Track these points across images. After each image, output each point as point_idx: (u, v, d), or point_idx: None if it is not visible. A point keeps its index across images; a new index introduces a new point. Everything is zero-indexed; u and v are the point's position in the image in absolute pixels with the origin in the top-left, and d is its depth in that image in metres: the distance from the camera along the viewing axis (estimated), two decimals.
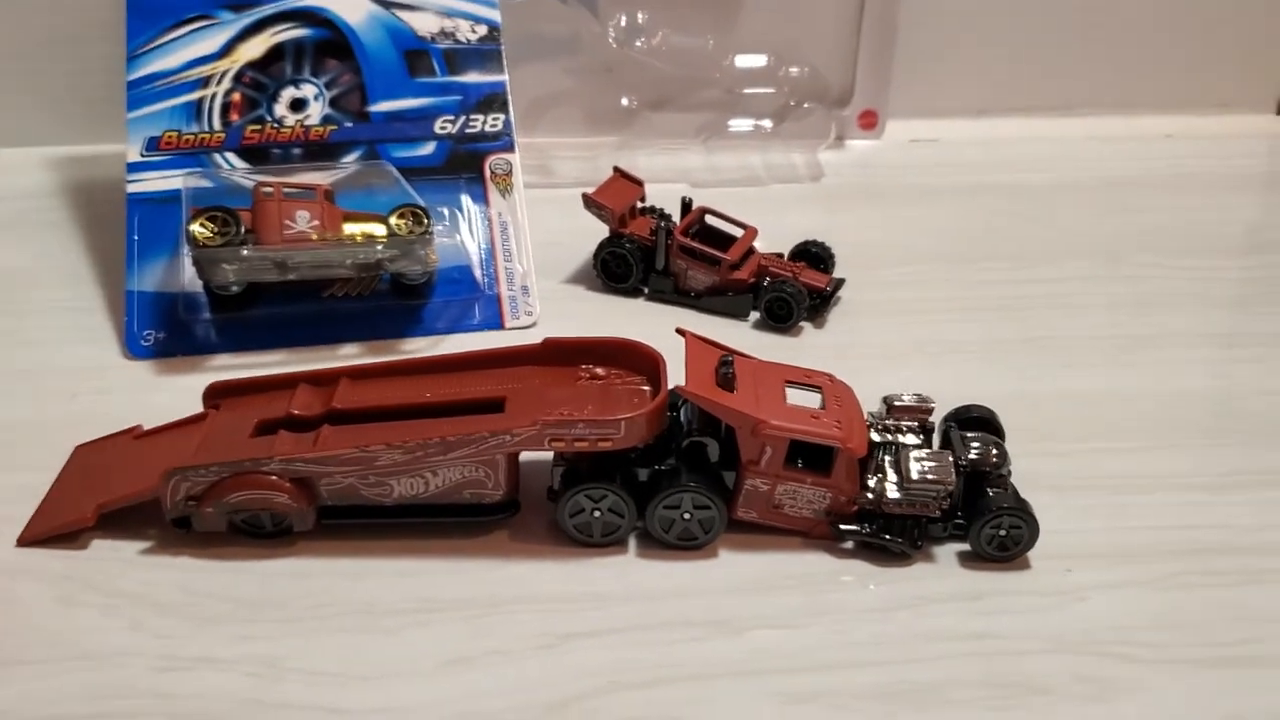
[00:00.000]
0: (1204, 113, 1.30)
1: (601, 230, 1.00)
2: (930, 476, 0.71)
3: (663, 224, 0.97)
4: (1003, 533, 0.71)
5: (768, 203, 1.13)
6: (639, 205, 1.02)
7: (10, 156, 1.15)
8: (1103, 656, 0.66)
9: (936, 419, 0.77)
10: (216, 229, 0.86)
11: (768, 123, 1.18)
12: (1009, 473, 0.74)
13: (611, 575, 0.71)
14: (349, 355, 0.91)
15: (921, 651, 0.66)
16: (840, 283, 0.97)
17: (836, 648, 0.67)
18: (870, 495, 0.72)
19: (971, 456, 0.73)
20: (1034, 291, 1.02)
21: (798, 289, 0.93)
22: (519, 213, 0.99)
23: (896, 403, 0.76)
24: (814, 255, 0.99)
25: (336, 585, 0.70)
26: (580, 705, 0.63)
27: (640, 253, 0.98)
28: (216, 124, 0.98)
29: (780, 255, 0.99)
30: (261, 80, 0.99)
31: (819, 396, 0.74)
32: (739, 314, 0.96)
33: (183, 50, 0.99)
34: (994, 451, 0.73)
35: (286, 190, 0.89)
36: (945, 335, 0.95)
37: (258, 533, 0.72)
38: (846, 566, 0.72)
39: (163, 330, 0.91)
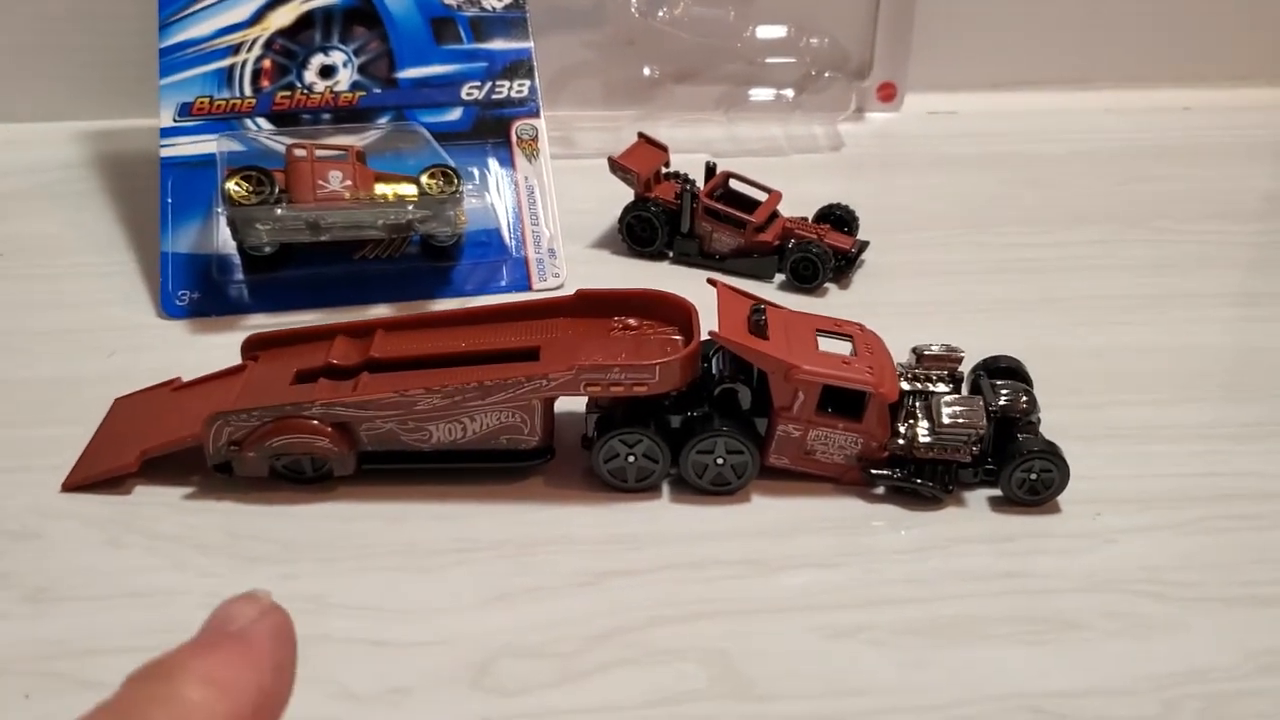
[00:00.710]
0: (1222, 85, 1.31)
1: (624, 198, 1.02)
2: (961, 421, 0.72)
3: (688, 187, 0.98)
4: (1033, 476, 0.72)
5: (789, 171, 1.14)
6: (663, 170, 1.03)
7: (40, 130, 1.17)
8: (1134, 595, 0.67)
9: (965, 370, 0.78)
10: (251, 188, 0.87)
11: (789, 92, 1.19)
12: (1038, 420, 0.75)
13: (646, 519, 0.73)
14: (380, 316, 0.92)
15: (955, 589, 0.67)
16: (864, 245, 0.98)
17: (871, 586, 0.68)
18: (901, 441, 0.73)
19: (1002, 402, 0.74)
20: (1052, 254, 1.03)
21: (824, 250, 0.94)
22: (545, 177, 1.00)
23: (926, 352, 0.77)
24: (838, 218, 1.00)
25: (377, 527, 0.71)
26: (622, 638, 0.64)
27: (665, 216, 0.99)
28: (247, 90, 0.99)
29: (804, 219, 1.00)
30: (291, 47, 1.00)
31: (849, 345, 0.75)
32: (764, 275, 0.98)
33: (213, 18, 1.00)
34: (1023, 398, 0.74)
35: (319, 151, 0.90)
36: (967, 295, 0.96)
37: (298, 478, 0.73)
38: (878, 511, 0.73)
39: (197, 291, 0.92)
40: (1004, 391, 0.75)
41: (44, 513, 0.71)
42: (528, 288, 0.96)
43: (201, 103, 0.98)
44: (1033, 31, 1.28)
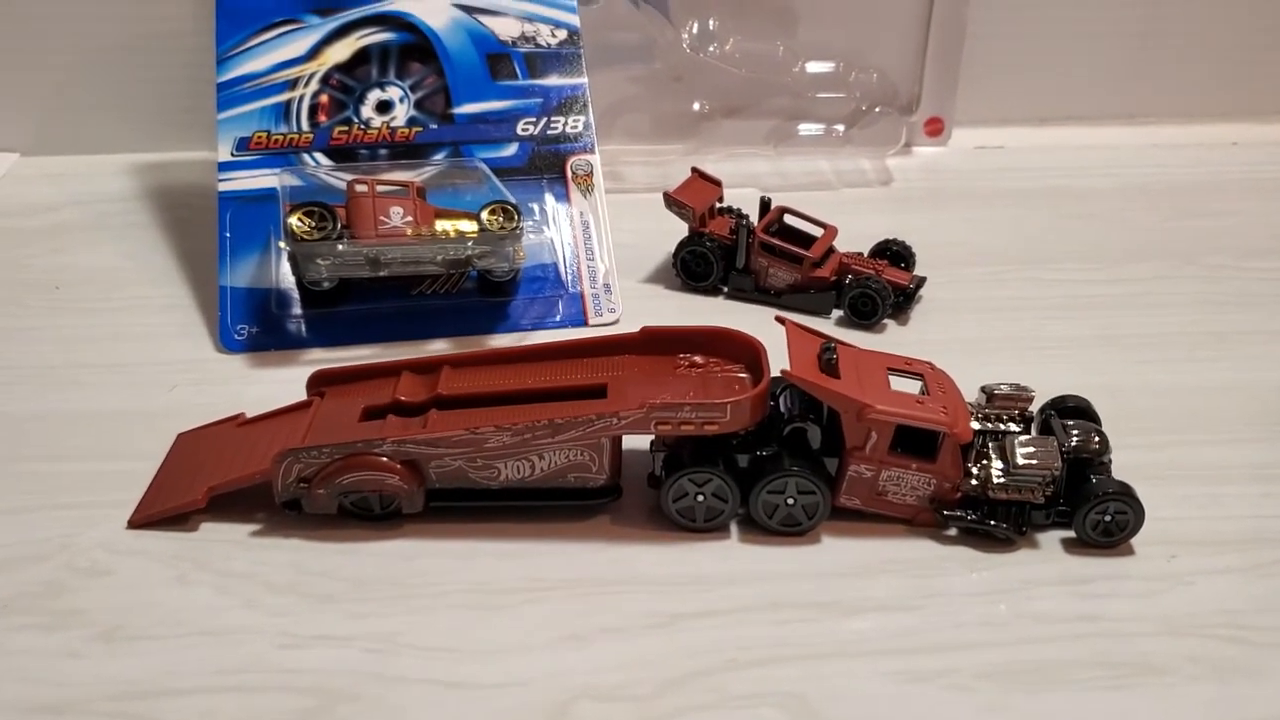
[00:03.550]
0: (1270, 120, 1.30)
1: (676, 233, 1.01)
2: (1036, 461, 0.71)
3: (743, 222, 0.98)
4: (1108, 518, 0.71)
5: (838, 206, 1.13)
6: (717, 205, 1.03)
7: (95, 163, 1.18)
8: (1215, 639, 0.66)
9: (1033, 409, 0.77)
10: (314, 224, 0.87)
11: (840, 127, 1.19)
12: (1110, 460, 0.74)
13: (715, 559, 0.72)
14: (438, 351, 0.92)
15: (1032, 633, 0.67)
16: (922, 280, 0.98)
17: (947, 629, 0.67)
18: (974, 481, 0.72)
19: (1074, 443, 0.73)
20: (1109, 290, 1.02)
21: (883, 285, 0.94)
22: (600, 212, 1.00)
23: (996, 392, 0.76)
24: (895, 253, 0.99)
25: (446, 565, 0.71)
26: (699, 681, 0.63)
27: (721, 251, 0.99)
28: (305, 125, 0.99)
29: (860, 254, 1.00)
30: (348, 83, 1.01)
31: (920, 384, 0.74)
32: (821, 311, 0.97)
33: (271, 53, 1.01)
34: (1095, 438, 0.73)
35: (380, 187, 0.90)
36: (1026, 332, 0.96)
37: (366, 515, 0.73)
38: (951, 553, 0.72)
39: (256, 325, 0.92)
40: (1075, 432, 0.74)
41: (113, 549, 0.71)
42: (583, 323, 0.96)
43: (259, 137, 0.99)
44: (1080, 67, 1.28)
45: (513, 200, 0.92)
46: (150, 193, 1.13)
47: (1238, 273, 1.06)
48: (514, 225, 0.90)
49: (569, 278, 0.97)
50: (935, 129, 1.26)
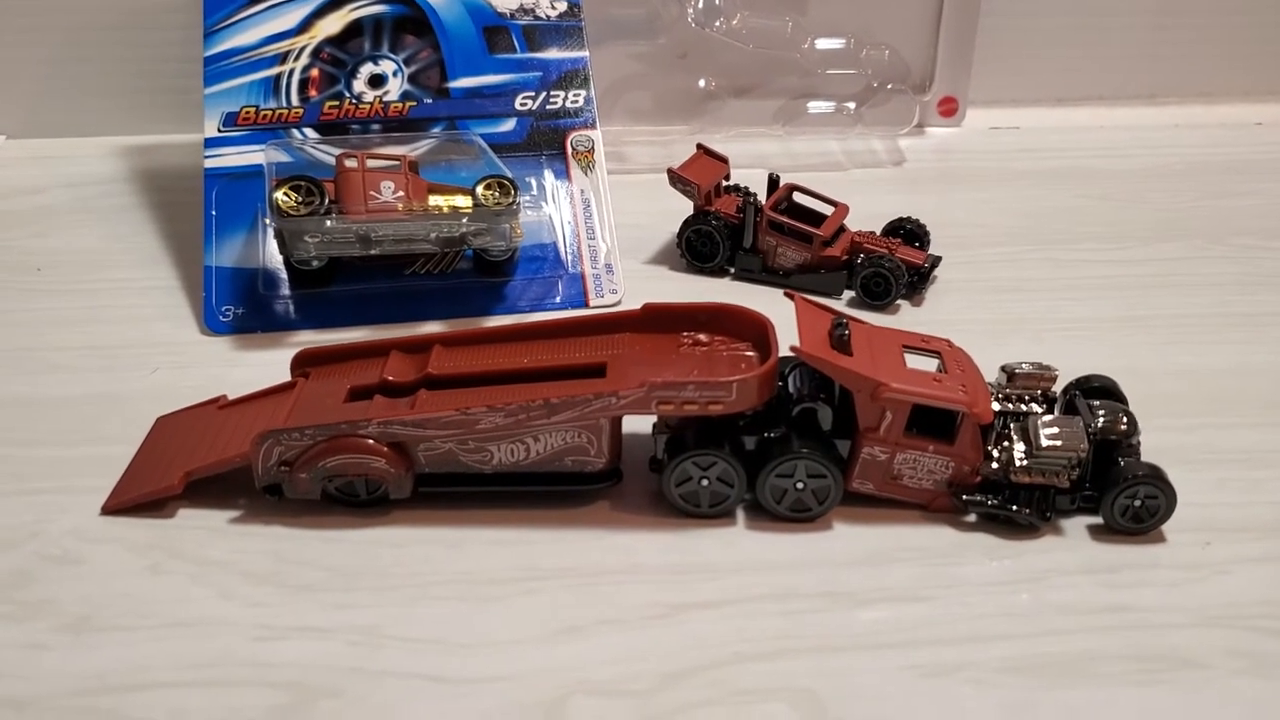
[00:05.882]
0: None
1: (680, 214, 0.98)
2: (1061, 443, 0.67)
3: (750, 200, 0.94)
4: (1137, 503, 0.67)
5: (849, 186, 1.09)
6: (723, 183, 0.99)
7: (81, 145, 1.14)
8: (1256, 631, 0.62)
9: (1057, 390, 0.73)
10: (300, 199, 0.84)
11: (850, 105, 1.15)
12: (1139, 442, 0.70)
13: (721, 546, 0.68)
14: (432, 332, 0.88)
15: (1058, 624, 0.63)
16: (937, 260, 0.94)
17: (966, 620, 0.63)
18: (995, 464, 0.68)
19: (1100, 424, 0.69)
20: (1133, 271, 0.98)
21: (897, 264, 0.90)
22: (602, 190, 0.97)
23: (1017, 371, 0.72)
24: (909, 232, 0.95)
25: (434, 554, 0.67)
26: (702, 675, 0.59)
27: (727, 230, 0.95)
28: (294, 100, 0.96)
29: (872, 233, 0.96)
30: (340, 56, 0.97)
31: (937, 362, 0.71)
32: (832, 292, 0.93)
33: (260, 26, 0.97)
34: (1123, 418, 0.69)
35: (371, 161, 0.86)
36: (1047, 313, 0.92)
37: (352, 501, 0.69)
38: (970, 540, 0.68)
39: (241, 306, 0.89)
40: (1102, 412, 0.70)
41: (84, 537, 0.67)
42: (584, 304, 0.92)
43: (247, 112, 0.95)
44: (1098, 45, 1.24)
45: (509, 175, 0.88)
46: (137, 175, 1.10)
47: (1265, 253, 1.02)
48: (510, 200, 0.86)
49: (569, 257, 0.94)
50: (949, 109, 1.22)
